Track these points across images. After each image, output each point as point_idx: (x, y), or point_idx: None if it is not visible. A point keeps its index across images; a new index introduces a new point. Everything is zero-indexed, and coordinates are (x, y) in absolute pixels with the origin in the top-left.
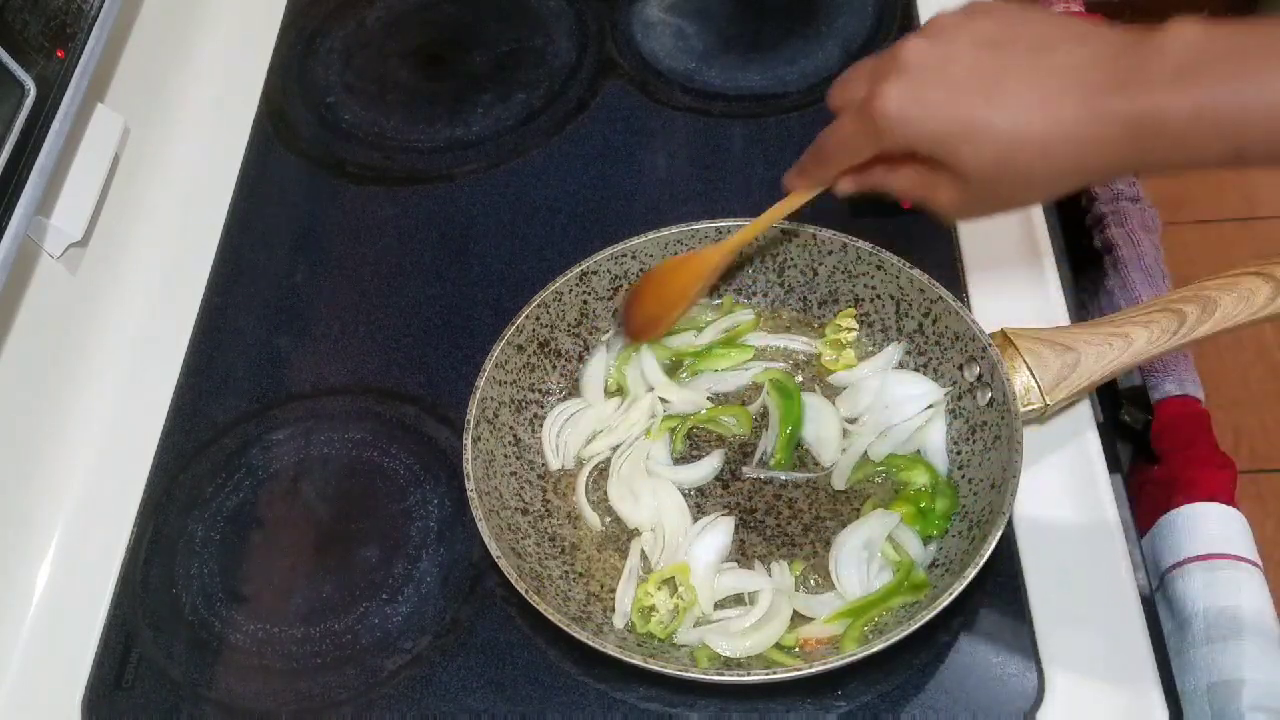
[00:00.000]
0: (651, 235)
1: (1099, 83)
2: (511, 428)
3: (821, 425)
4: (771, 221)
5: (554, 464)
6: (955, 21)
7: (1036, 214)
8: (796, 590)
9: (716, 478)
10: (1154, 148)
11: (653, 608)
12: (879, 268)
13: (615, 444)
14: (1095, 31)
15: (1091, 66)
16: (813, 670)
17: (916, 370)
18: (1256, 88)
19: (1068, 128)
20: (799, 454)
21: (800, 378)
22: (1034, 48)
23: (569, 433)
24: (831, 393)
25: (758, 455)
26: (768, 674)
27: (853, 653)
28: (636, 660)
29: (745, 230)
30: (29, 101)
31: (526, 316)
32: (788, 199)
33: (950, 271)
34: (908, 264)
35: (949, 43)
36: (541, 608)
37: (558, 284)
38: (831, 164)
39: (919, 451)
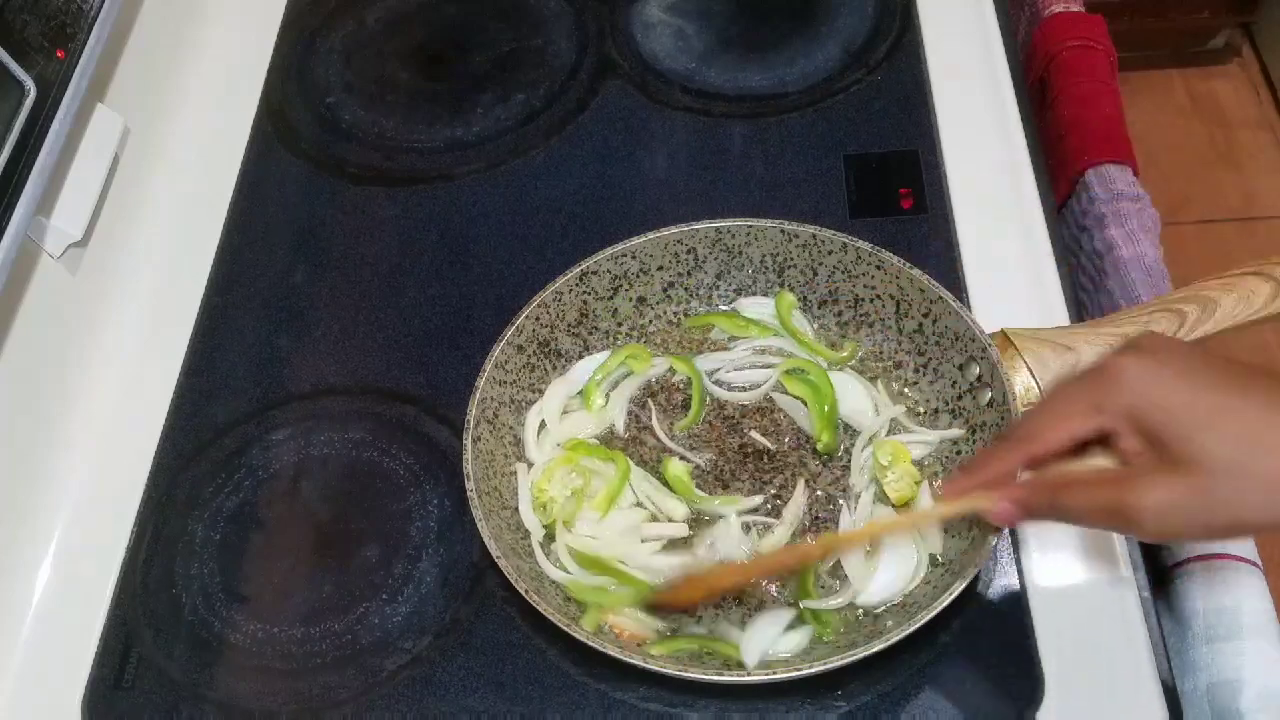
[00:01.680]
0: (651, 235)
1: None
2: (511, 428)
3: (853, 398)
4: (863, 538)
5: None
6: (1181, 340)
7: (1036, 214)
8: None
9: (717, 478)
10: None
11: (550, 500)
12: (879, 268)
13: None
14: None
15: None
16: (813, 670)
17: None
18: None
19: None
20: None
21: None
22: (1264, 372)
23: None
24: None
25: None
26: (768, 674)
27: (853, 653)
28: (636, 660)
29: (818, 543)
30: (29, 101)
31: (526, 316)
32: (934, 508)
33: (950, 271)
34: (908, 264)
35: (1183, 345)
36: (541, 608)
37: (558, 284)
38: (1019, 447)
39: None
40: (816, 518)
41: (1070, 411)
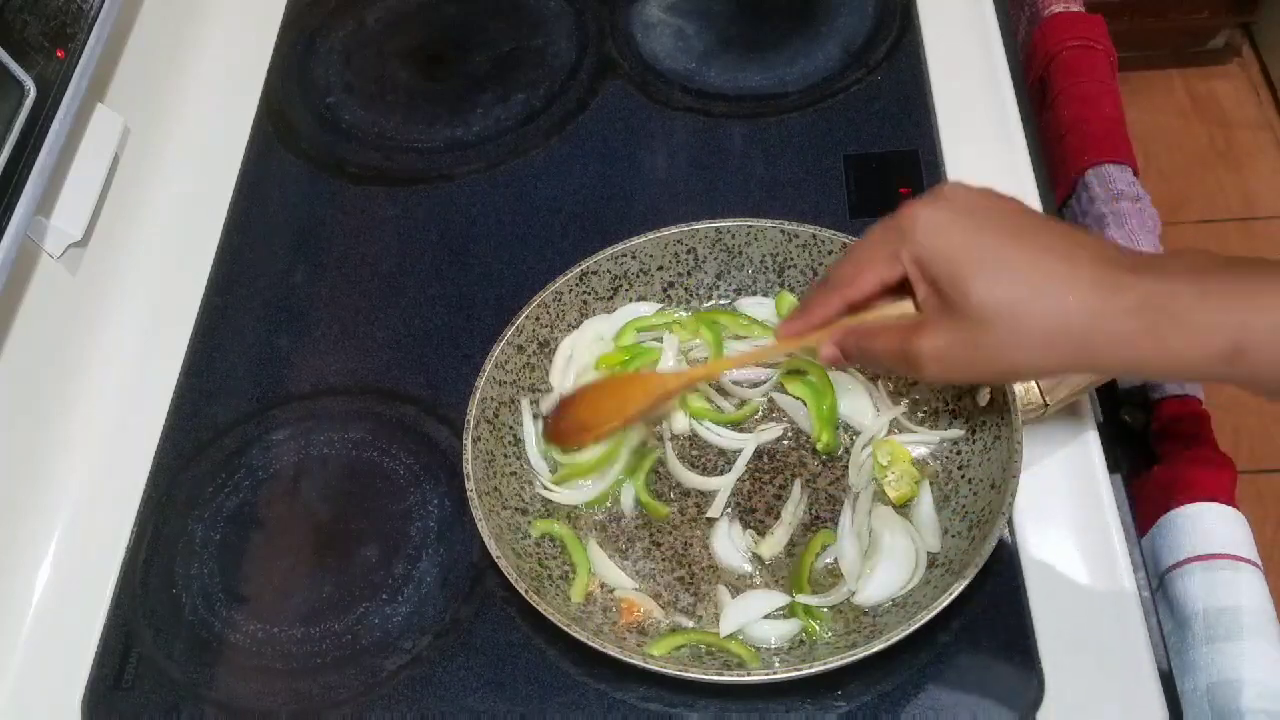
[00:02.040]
0: (651, 235)
1: (1116, 263)
2: (511, 428)
3: (853, 398)
4: (743, 364)
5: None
6: (990, 190)
7: None
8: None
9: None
10: (1156, 333)
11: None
12: None
13: None
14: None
15: (1111, 250)
16: (813, 670)
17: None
18: (1258, 292)
19: (1081, 294)
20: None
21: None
22: (1060, 226)
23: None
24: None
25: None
26: (768, 674)
27: (853, 653)
28: (636, 660)
29: (710, 365)
30: (29, 101)
31: (526, 316)
32: (772, 345)
33: None
34: None
35: (986, 194)
36: (541, 608)
37: (558, 284)
38: (836, 291)
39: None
40: (817, 516)
41: (874, 258)
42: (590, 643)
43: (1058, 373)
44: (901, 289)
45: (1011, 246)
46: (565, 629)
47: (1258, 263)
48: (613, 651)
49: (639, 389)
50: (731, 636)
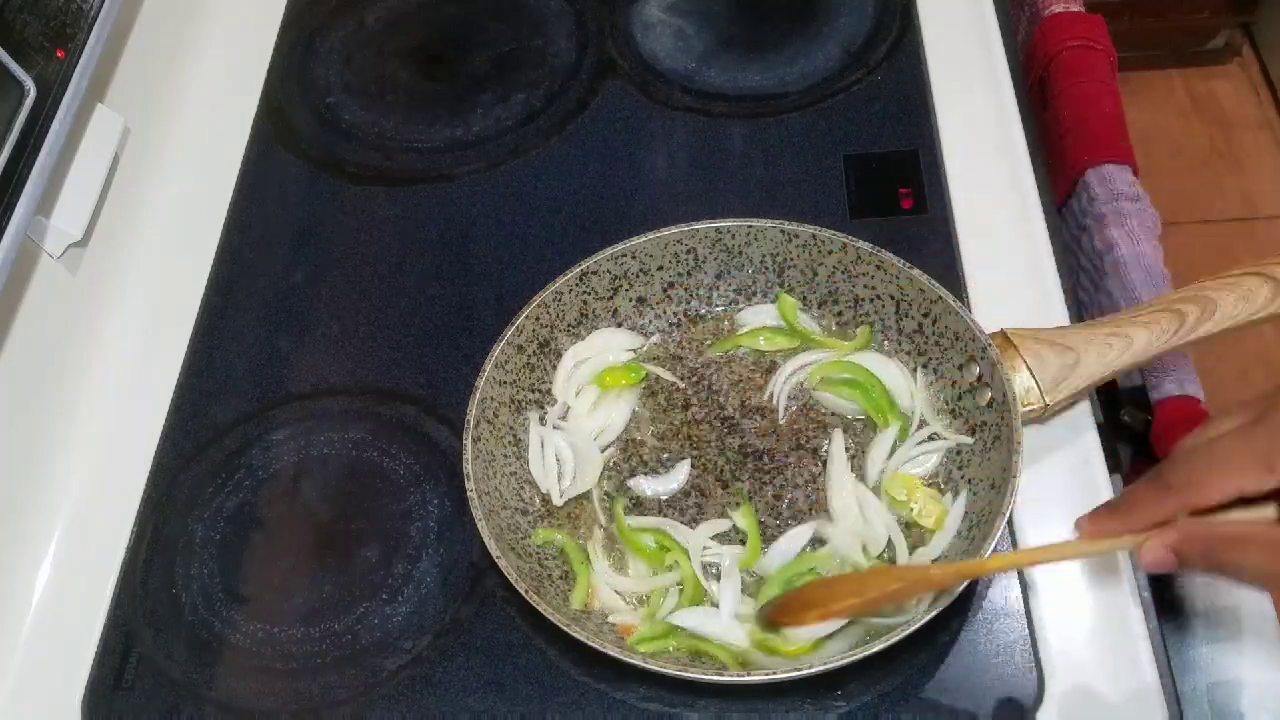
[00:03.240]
0: (651, 235)
1: None
2: (511, 428)
3: (889, 373)
4: (1034, 562)
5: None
6: None
7: (1036, 214)
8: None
9: (717, 478)
10: None
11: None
12: (879, 268)
13: None
14: None
15: None
16: (813, 670)
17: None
18: None
19: None
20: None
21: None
22: None
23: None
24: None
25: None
26: (768, 674)
27: (853, 653)
28: (636, 660)
29: (962, 567)
30: (29, 101)
31: (526, 316)
32: (1075, 544)
33: (950, 271)
34: (908, 264)
35: None
36: (541, 608)
37: (558, 284)
38: (1175, 496)
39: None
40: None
41: (1238, 465)
42: (590, 643)
43: None
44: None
45: None
46: (565, 629)
47: None
48: (613, 651)
49: (895, 580)
50: (712, 639)
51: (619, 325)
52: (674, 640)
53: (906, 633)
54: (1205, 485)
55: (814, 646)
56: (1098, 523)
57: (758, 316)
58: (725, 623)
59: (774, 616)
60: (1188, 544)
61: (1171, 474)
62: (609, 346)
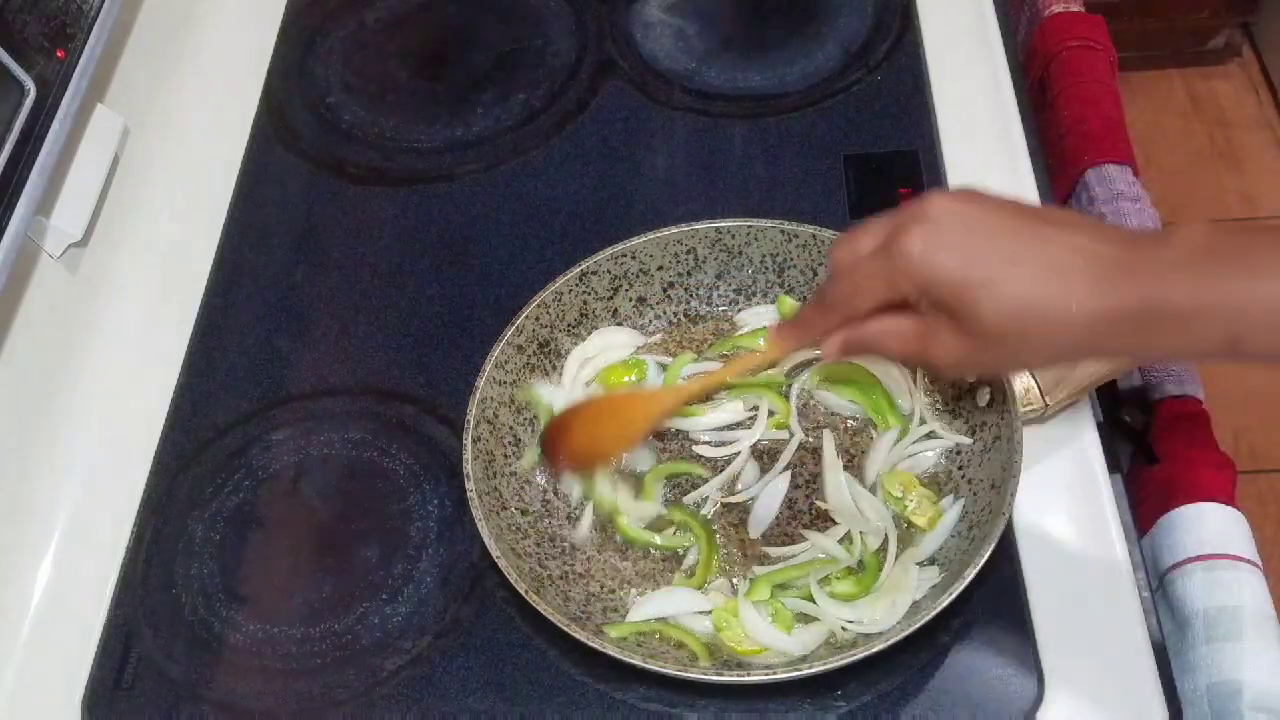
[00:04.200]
0: (651, 235)
1: (1110, 266)
2: (511, 428)
3: (888, 374)
4: (739, 372)
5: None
6: (972, 191)
7: None
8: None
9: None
10: (1155, 331)
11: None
12: None
13: None
14: (1107, 225)
15: (1105, 250)
16: (813, 670)
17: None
18: (1253, 278)
19: (1080, 301)
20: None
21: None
22: (1051, 223)
23: None
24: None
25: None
26: (768, 674)
27: (853, 653)
28: (636, 660)
29: (709, 377)
30: (29, 101)
31: (526, 316)
32: (765, 352)
33: None
34: None
35: (970, 203)
36: (541, 608)
37: (558, 284)
38: (835, 311)
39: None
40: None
41: (871, 282)
42: (590, 643)
43: (1056, 364)
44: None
45: (1008, 262)
46: (565, 629)
47: (1254, 238)
48: (613, 651)
49: (637, 412)
50: (669, 623)
51: (619, 324)
52: (642, 627)
53: (906, 633)
54: (853, 301)
55: (763, 650)
56: (783, 332)
57: (758, 317)
58: (683, 597)
59: (554, 468)
60: (850, 340)
61: (827, 292)
62: (610, 345)
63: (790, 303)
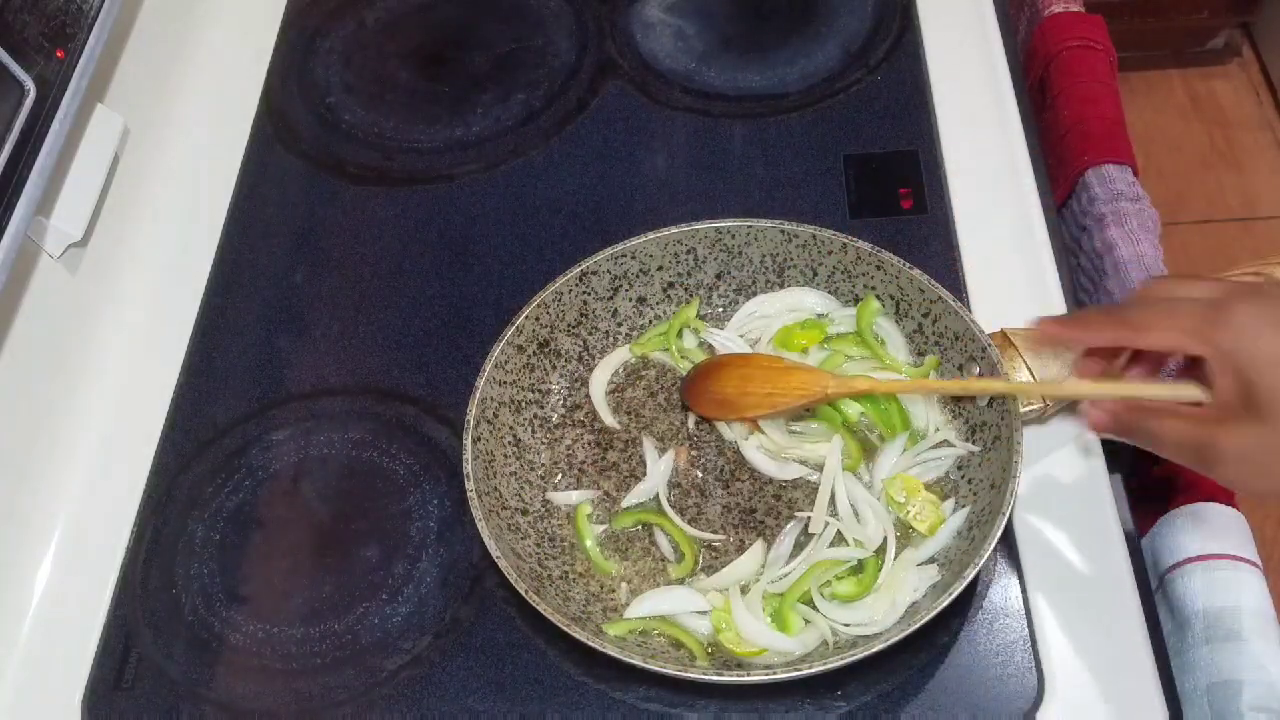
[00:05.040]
0: (651, 235)
1: None
2: (511, 428)
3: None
4: (901, 390)
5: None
6: None
7: (1036, 214)
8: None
9: (716, 477)
10: None
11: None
12: (879, 268)
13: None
14: None
15: None
16: (812, 670)
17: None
18: None
19: None
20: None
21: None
22: None
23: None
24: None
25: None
26: (767, 674)
27: (853, 653)
28: (636, 660)
29: (874, 382)
30: (29, 101)
31: (526, 316)
32: (1000, 381)
33: (950, 271)
34: (908, 264)
35: None
36: (541, 608)
37: (558, 284)
38: (1124, 327)
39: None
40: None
41: (1180, 324)
42: (590, 643)
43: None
44: (1190, 367)
45: None
46: (565, 629)
47: None
48: (612, 651)
49: (797, 385)
50: (668, 620)
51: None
52: (641, 625)
53: (906, 633)
54: (1150, 329)
55: (763, 650)
56: (1052, 326)
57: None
58: (681, 596)
59: (692, 402)
60: (1123, 411)
61: (1129, 311)
62: (798, 305)
63: (875, 305)
